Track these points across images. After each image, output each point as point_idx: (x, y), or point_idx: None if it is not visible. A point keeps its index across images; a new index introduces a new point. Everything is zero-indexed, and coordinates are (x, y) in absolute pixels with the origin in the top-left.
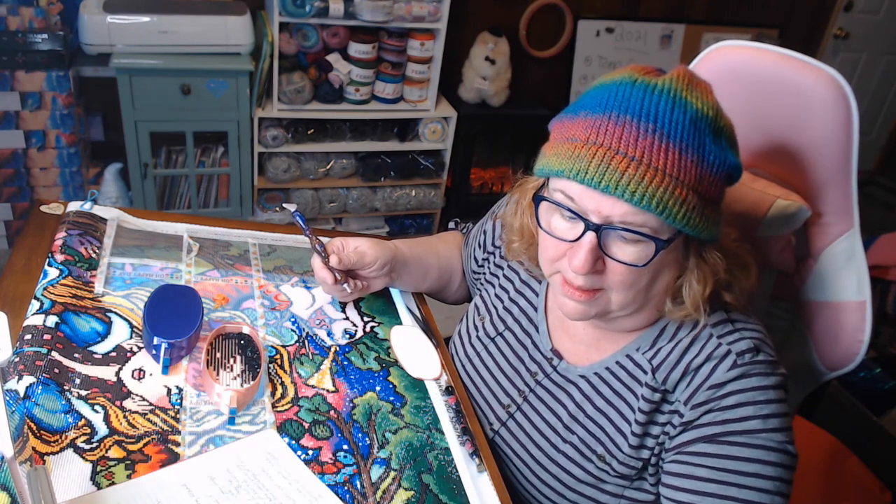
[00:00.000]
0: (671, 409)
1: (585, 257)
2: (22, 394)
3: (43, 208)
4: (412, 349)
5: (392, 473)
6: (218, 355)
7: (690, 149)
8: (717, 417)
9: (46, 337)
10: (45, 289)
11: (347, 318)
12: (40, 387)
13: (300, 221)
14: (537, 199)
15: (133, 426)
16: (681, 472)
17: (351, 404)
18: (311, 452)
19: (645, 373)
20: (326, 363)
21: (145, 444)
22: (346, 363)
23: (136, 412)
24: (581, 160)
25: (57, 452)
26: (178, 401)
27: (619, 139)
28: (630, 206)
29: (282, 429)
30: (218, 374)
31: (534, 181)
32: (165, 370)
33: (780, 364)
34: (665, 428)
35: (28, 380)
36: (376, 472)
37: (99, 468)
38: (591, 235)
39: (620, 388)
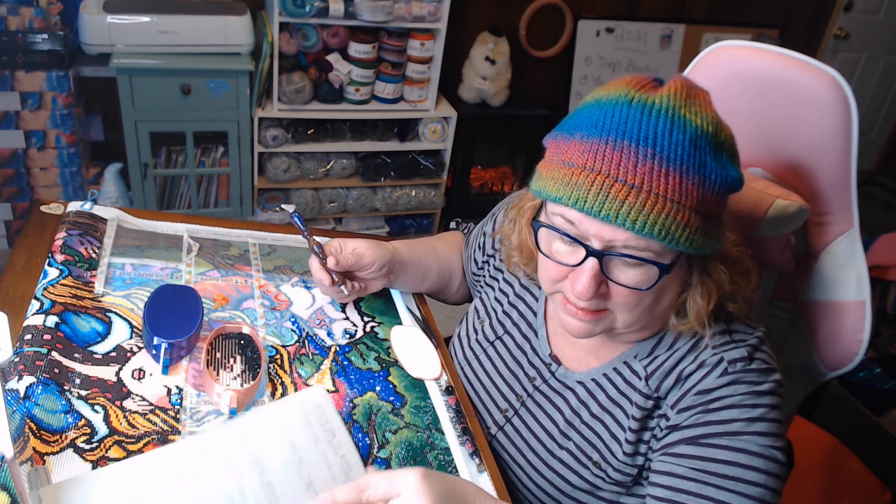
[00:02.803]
0: (660, 413)
1: (588, 283)
2: (22, 394)
3: (43, 208)
4: (412, 349)
5: None
6: (218, 355)
7: (691, 171)
8: (702, 419)
9: (46, 337)
10: (45, 289)
11: (347, 318)
12: (40, 387)
13: (298, 223)
14: (536, 225)
15: (133, 426)
16: (661, 470)
17: (351, 404)
18: None
19: (640, 379)
20: (326, 363)
21: (145, 444)
22: (346, 363)
23: (136, 412)
24: (579, 188)
25: (57, 452)
26: (178, 401)
27: (617, 166)
28: (632, 234)
29: None
30: (218, 374)
31: (531, 198)
32: (165, 370)
33: (776, 370)
34: (654, 432)
35: (28, 380)
36: None
37: (99, 468)
38: (592, 261)
39: (616, 395)
